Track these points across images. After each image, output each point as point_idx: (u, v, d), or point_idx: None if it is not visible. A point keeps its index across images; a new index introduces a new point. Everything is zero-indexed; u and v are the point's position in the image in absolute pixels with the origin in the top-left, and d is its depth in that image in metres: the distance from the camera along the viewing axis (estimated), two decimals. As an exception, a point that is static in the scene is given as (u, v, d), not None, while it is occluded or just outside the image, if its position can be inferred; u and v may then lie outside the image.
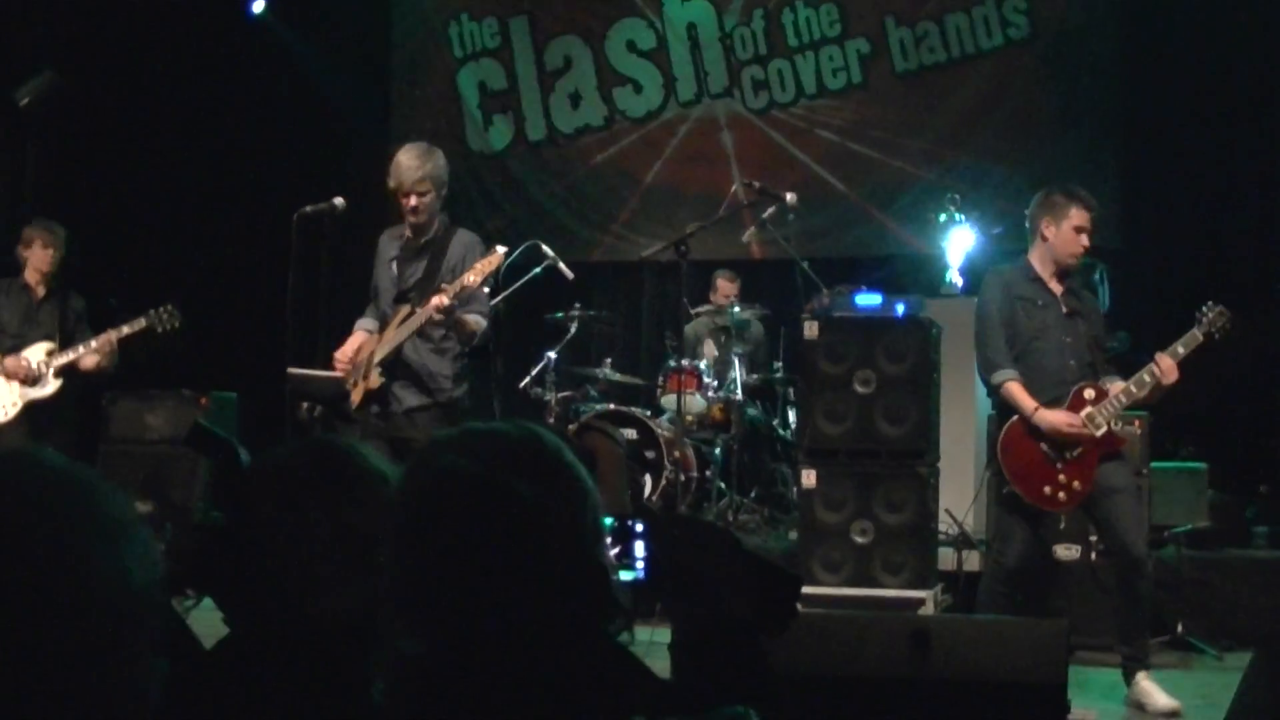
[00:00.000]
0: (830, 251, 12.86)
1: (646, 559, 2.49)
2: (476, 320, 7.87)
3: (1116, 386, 7.58)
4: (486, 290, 8.05)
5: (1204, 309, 7.61)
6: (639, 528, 3.04)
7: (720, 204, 10.57)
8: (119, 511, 1.72)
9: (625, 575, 2.51)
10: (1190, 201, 12.24)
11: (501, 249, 7.82)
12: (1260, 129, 12.12)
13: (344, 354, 7.97)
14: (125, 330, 9.78)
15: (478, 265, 7.66)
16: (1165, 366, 7.45)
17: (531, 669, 2.08)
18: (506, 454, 2.16)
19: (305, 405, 8.03)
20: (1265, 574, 9.69)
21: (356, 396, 7.88)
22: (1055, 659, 5.44)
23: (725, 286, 12.42)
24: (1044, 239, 7.81)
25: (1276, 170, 12.03)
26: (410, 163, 7.91)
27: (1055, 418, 7.51)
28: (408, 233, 8.04)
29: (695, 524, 3.38)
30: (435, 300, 7.58)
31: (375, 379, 7.82)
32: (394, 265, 8.08)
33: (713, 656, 2.46)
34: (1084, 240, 7.76)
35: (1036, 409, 7.53)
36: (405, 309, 7.90)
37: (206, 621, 2.87)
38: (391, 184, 7.92)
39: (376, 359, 7.83)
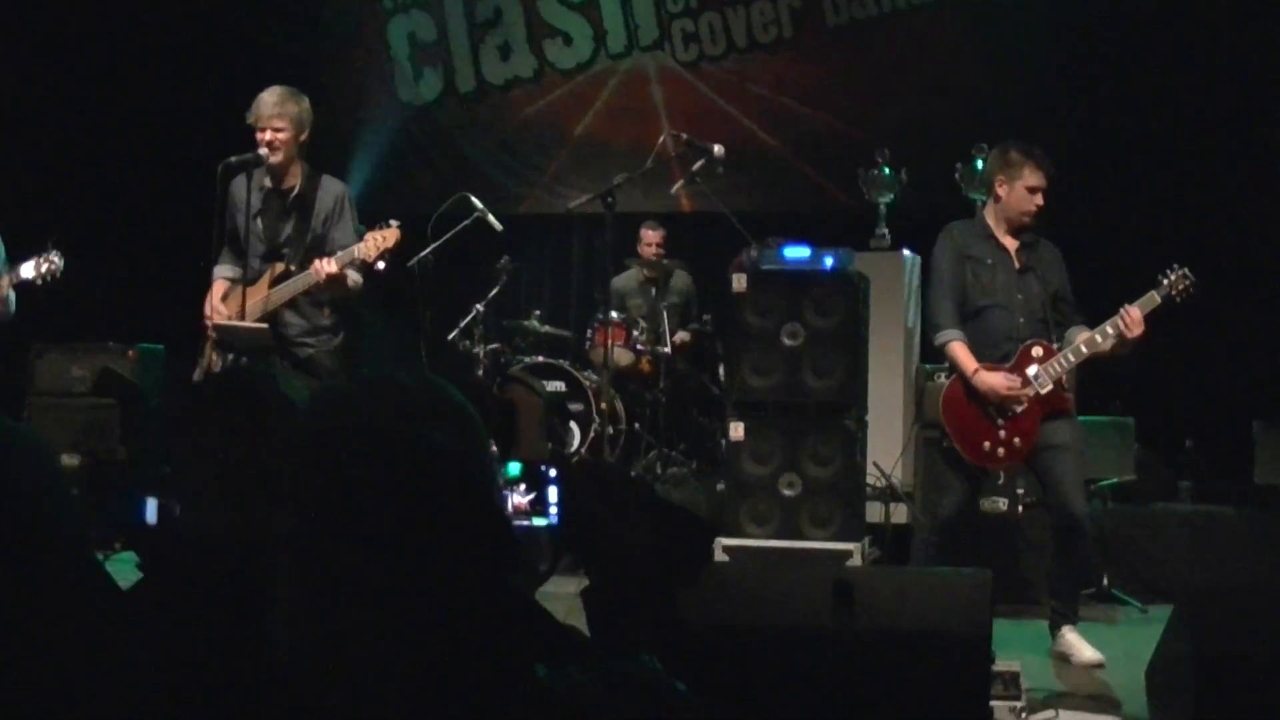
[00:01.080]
0: (759, 205, 12.82)
1: (559, 505, 2.46)
2: (355, 280, 7.84)
3: (1082, 336, 7.57)
4: (353, 237, 7.96)
5: (1167, 271, 7.60)
6: (552, 474, 3.02)
7: (649, 157, 10.53)
8: (47, 464, 1.69)
9: (540, 521, 2.49)
10: (1123, 161, 12.25)
11: (395, 225, 7.77)
12: (1194, 90, 12.12)
13: (215, 311, 7.93)
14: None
15: (373, 240, 7.64)
16: (1132, 319, 7.41)
17: (431, 618, 2.05)
18: (405, 403, 2.13)
19: (230, 356, 7.95)
20: (1190, 528, 9.75)
21: (220, 360, 7.89)
22: (979, 611, 5.44)
23: (651, 238, 12.37)
24: (997, 197, 7.78)
25: (1209, 130, 12.05)
26: (270, 99, 7.87)
27: (994, 380, 7.50)
28: (267, 182, 7.96)
29: (609, 471, 3.37)
30: (323, 270, 7.59)
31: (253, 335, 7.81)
32: (259, 220, 7.99)
33: (623, 605, 2.43)
34: (1037, 200, 7.69)
35: (976, 371, 7.51)
36: (279, 267, 7.87)
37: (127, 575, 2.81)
38: (249, 119, 7.87)
39: (251, 316, 7.79)
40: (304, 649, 2.07)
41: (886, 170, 11.00)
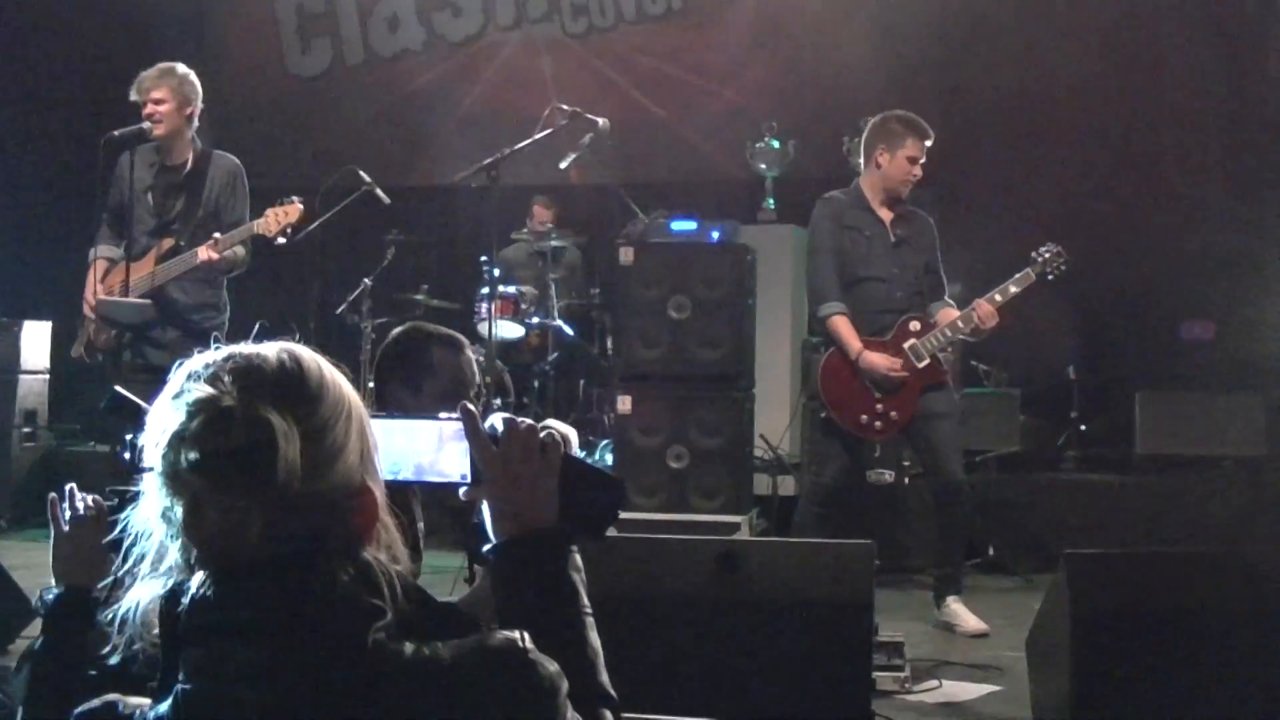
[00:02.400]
0: (649, 177, 12.81)
1: (469, 460, 2.45)
2: (234, 252, 7.80)
3: (947, 315, 7.62)
4: (244, 213, 7.92)
5: (1041, 249, 7.68)
6: (462, 430, 3.00)
7: (535, 130, 10.47)
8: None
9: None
10: (1008, 133, 12.31)
11: (297, 200, 7.74)
12: (1081, 63, 12.19)
13: (95, 291, 7.84)
14: None
15: (274, 216, 7.61)
16: (984, 313, 7.52)
17: (295, 591, 2.04)
18: (265, 380, 2.10)
19: (114, 333, 7.85)
20: (1073, 497, 9.89)
21: (103, 336, 7.82)
22: (861, 580, 5.46)
23: (541, 213, 12.33)
24: (877, 166, 7.81)
25: (1094, 101, 12.12)
26: (150, 72, 7.84)
27: (877, 361, 7.54)
28: (156, 157, 7.91)
29: (516, 428, 3.34)
30: (202, 255, 7.57)
31: (140, 311, 7.75)
32: (149, 195, 7.94)
33: (524, 563, 2.42)
34: (916, 170, 7.78)
35: (861, 351, 7.55)
36: (167, 242, 7.81)
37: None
38: (133, 96, 7.81)
39: (136, 292, 7.71)
40: (170, 624, 2.07)
41: (775, 142, 11.01)
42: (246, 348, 2.17)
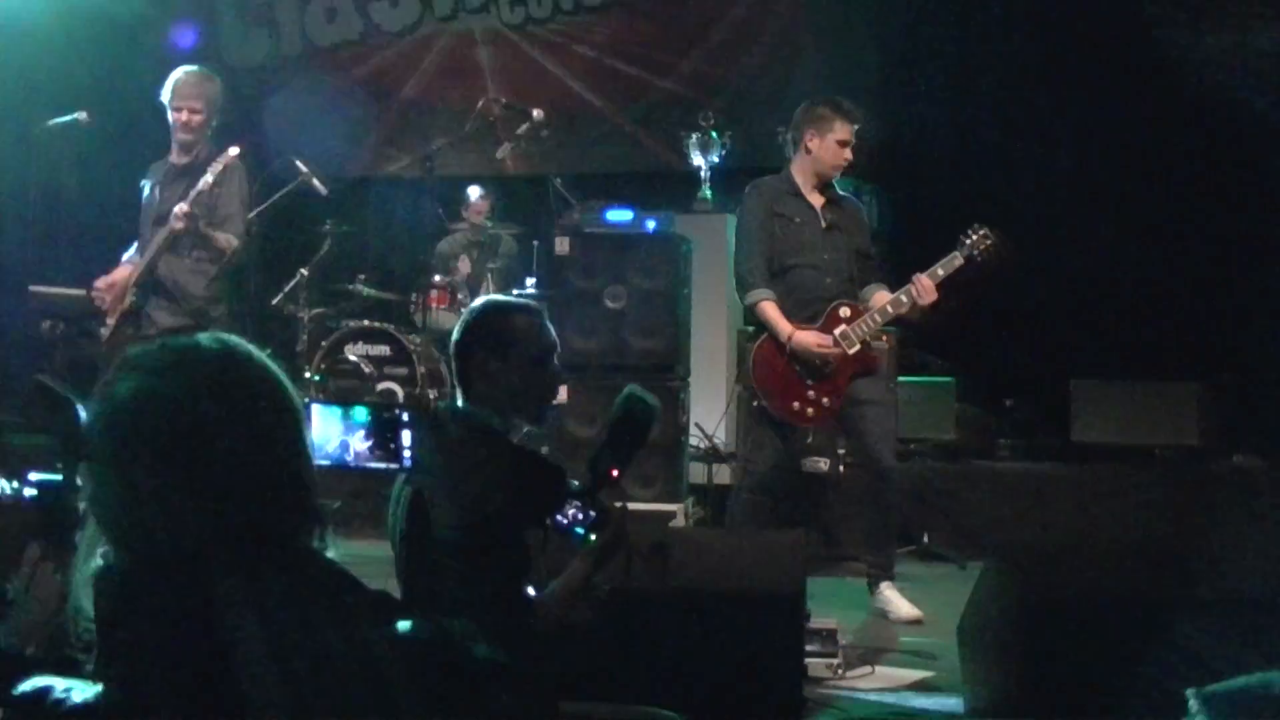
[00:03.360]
0: (586, 168, 12.79)
1: (411, 448, 2.46)
2: (227, 239, 7.82)
3: (881, 298, 7.62)
4: (239, 206, 7.95)
5: (969, 231, 7.66)
6: (404, 418, 3.00)
7: (469, 121, 10.47)
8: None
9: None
10: (949, 120, 12.33)
11: (234, 149, 7.75)
12: (1022, 48, 12.21)
13: (103, 281, 7.89)
14: None
15: (214, 165, 7.62)
16: (923, 287, 7.48)
17: (226, 582, 2.04)
18: (197, 372, 2.11)
19: (48, 323, 7.83)
20: (1008, 485, 9.90)
21: (112, 320, 7.82)
22: (793, 568, 5.49)
23: (478, 204, 12.31)
24: (807, 151, 7.78)
25: (1033, 88, 12.15)
26: (189, 78, 8.01)
27: (807, 338, 7.50)
28: (173, 157, 7.98)
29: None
30: (176, 209, 7.54)
31: (129, 300, 7.74)
32: (156, 190, 8.05)
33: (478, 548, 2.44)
34: (847, 154, 7.75)
35: (792, 334, 7.52)
36: (164, 230, 7.81)
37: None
38: (164, 97, 7.91)
39: (132, 280, 7.74)
40: (108, 609, 2.07)
41: (712, 133, 11.01)
42: (182, 337, 2.18)
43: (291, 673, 2.01)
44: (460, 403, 3.88)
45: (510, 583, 3.68)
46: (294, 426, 2.20)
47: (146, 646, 2.04)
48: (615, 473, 4.08)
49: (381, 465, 2.40)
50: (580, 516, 3.77)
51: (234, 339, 2.20)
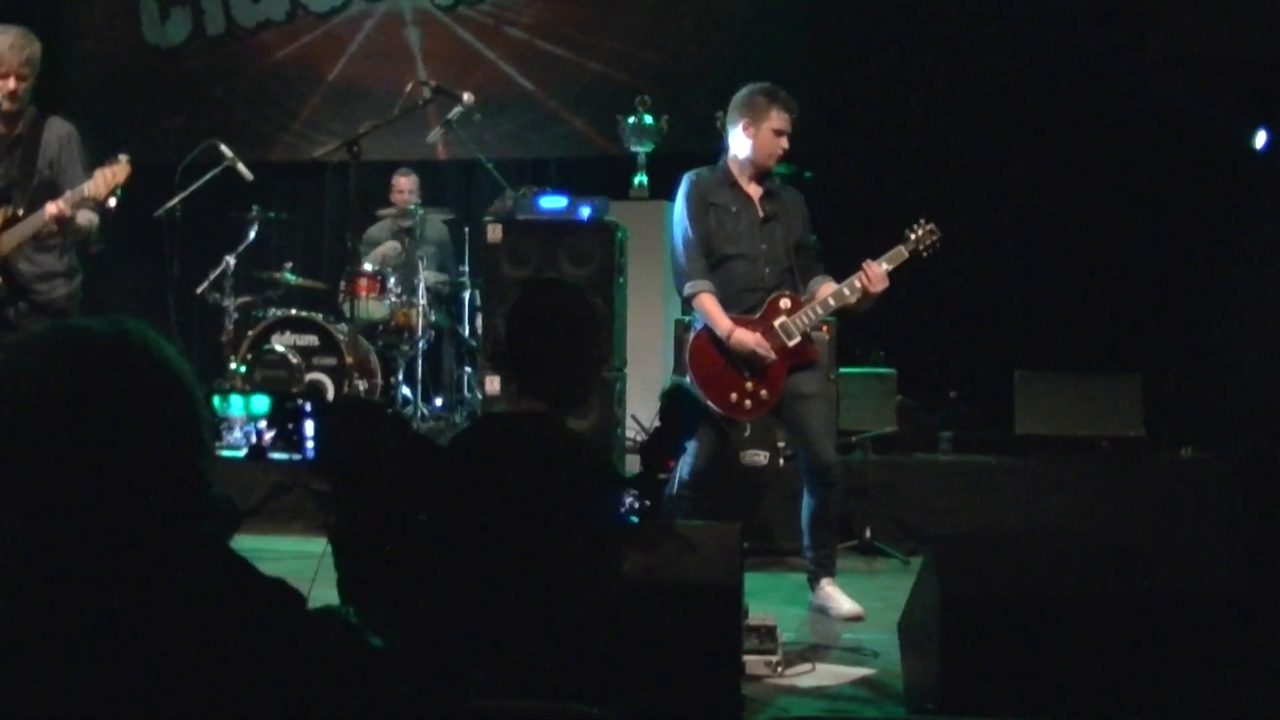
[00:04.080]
0: (517, 152, 12.81)
1: (315, 439, 2.44)
2: (89, 219, 7.67)
3: (825, 289, 7.62)
4: (83, 175, 7.78)
5: (915, 225, 7.68)
6: (307, 408, 2.99)
7: (398, 105, 10.43)
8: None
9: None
10: (888, 106, 12.34)
11: (124, 159, 7.58)
12: (960, 33, 12.24)
13: None
14: None
15: (103, 176, 7.45)
16: (874, 275, 7.49)
17: (116, 575, 2.03)
18: (88, 356, 2.09)
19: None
20: (950, 478, 9.93)
21: None
22: (730, 562, 5.49)
23: (403, 185, 12.27)
24: (742, 140, 7.77)
25: (974, 71, 12.18)
26: (16, 42, 7.56)
27: (747, 338, 7.49)
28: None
29: (364, 405, 3.37)
30: (52, 210, 7.41)
31: None
32: None
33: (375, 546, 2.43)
34: (783, 143, 7.73)
35: (732, 330, 7.51)
36: (6, 212, 7.67)
37: None
38: None
39: None
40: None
41: (647, 117, 10.98)
42: (75, 321, 2.16)
43: (187, 671, 2.01)
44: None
45: None
46: (190, 414, 2.18)
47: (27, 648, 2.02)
48: (671, 463, 4.41)
49: (285, 456, 2.38)
50: (637, 505, 3.92)
51: (132, 323, 2.18)
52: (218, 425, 10.16)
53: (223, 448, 10.02)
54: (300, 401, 3.30)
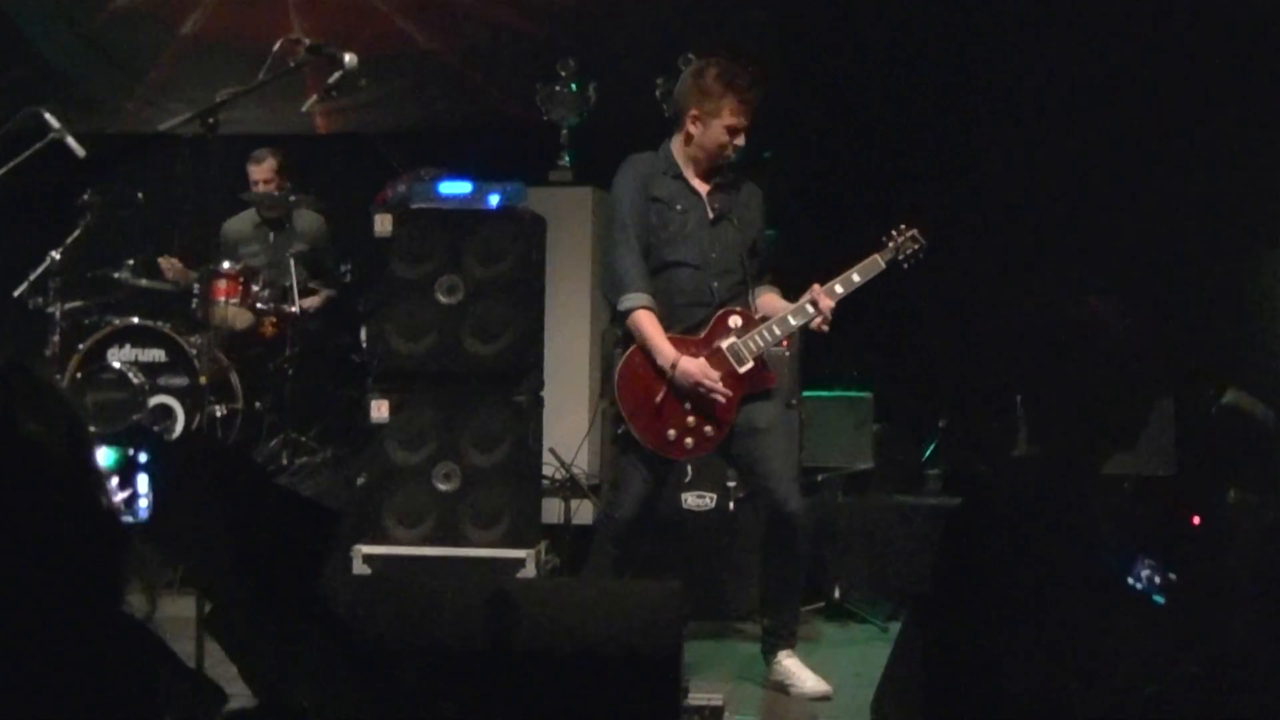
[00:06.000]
0: (414, 124, 12.83)
1: (152, 497, 2.47)
2: None
3: (775, 303, 7.66)
4: None
5: (893, 231, 7.71)
6: (142, 459, 2.99)
7: (264, 68, 10.44)
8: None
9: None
10: (868, 74, 12.40)
11: None
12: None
13: None
14: None
15: None
16: (823, 306, 7.50)
17: (30, 639, 2.09)
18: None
19: None
20: (939, 525, 9.87)
21: None
22: (667, 630, 5.54)
23: (257, 173, 12.23)
24: (692, 126, 7.73)
25: (978, 34, 12.27)
26: None
27: (693, 370, 7.45)
28: None
29: (217, 452, 3.41)
30: None
31: None
32: None
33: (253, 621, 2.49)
34: (738, 141, 7.70)
35: (676, 361, 7.45)
36: None
37: None
38: None
39: None
40: None
41: (573, 85, 11.04)
42: None
43: None
44: None
45: None
46: (87, 451, 2.24)
47: None
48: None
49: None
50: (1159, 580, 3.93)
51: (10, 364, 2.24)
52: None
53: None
54: (132, 450, 3.29)
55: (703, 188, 7.81)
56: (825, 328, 7.59)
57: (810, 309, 7.56)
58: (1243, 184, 11.25)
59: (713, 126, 7.68)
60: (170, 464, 3.02)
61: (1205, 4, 11.19)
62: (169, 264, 11.16)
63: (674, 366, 7.47)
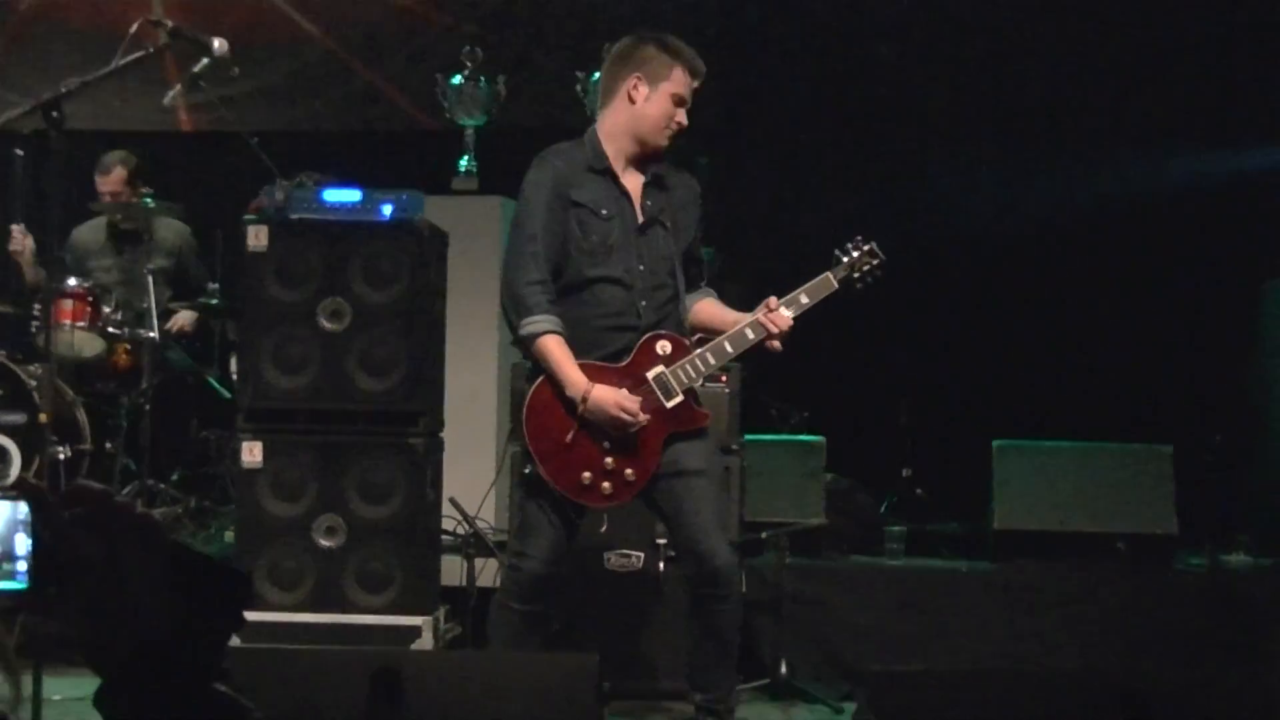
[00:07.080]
0: (295, 123, 12.82)
1: (32, 559, 2.39)
2: None
3: (711, 311, 7.59)
4: None
5: (848, 246, 7.58)
6: (21, 514, 2.94)
7: (119, 54, 10.40)
8: None
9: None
10: (821, 74, 12.45)
11: None
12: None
13: None
14: None
15: None
16: (778, 321, 7.42)
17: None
18: None
19: None
20: (900, 591, 9.95)
21: None
22: (580, 709, 5.51)
23: (104, 184, 12.07)
24: (630, 101, 7.55)
25: (949, 37, 12.36)
26: None
27: (606, 399, 7.31)
28: None
29: (105, 501, 3.34)
30: None
31: None
32: None
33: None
34: (681, 117, 7.55)
35: (588, 391, 7.31)
36: None
37: None
38: None
39: None
40: None
41: (480, 80, 11.02)
42: None
43: None
44: None
45: None
46: None
47: None
48: None
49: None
50: None
51: None
52: None
53: None
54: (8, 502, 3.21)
55: (633, 184, 7.65)
56: (778, 344, 7.45)
57: (751, 334, 7.43)
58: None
59: (659, 91, 7.51)
60: (54, 520, 2.95)
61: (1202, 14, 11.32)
62: (22, 234, 10.98)
63: (585, 398, 7.31)
